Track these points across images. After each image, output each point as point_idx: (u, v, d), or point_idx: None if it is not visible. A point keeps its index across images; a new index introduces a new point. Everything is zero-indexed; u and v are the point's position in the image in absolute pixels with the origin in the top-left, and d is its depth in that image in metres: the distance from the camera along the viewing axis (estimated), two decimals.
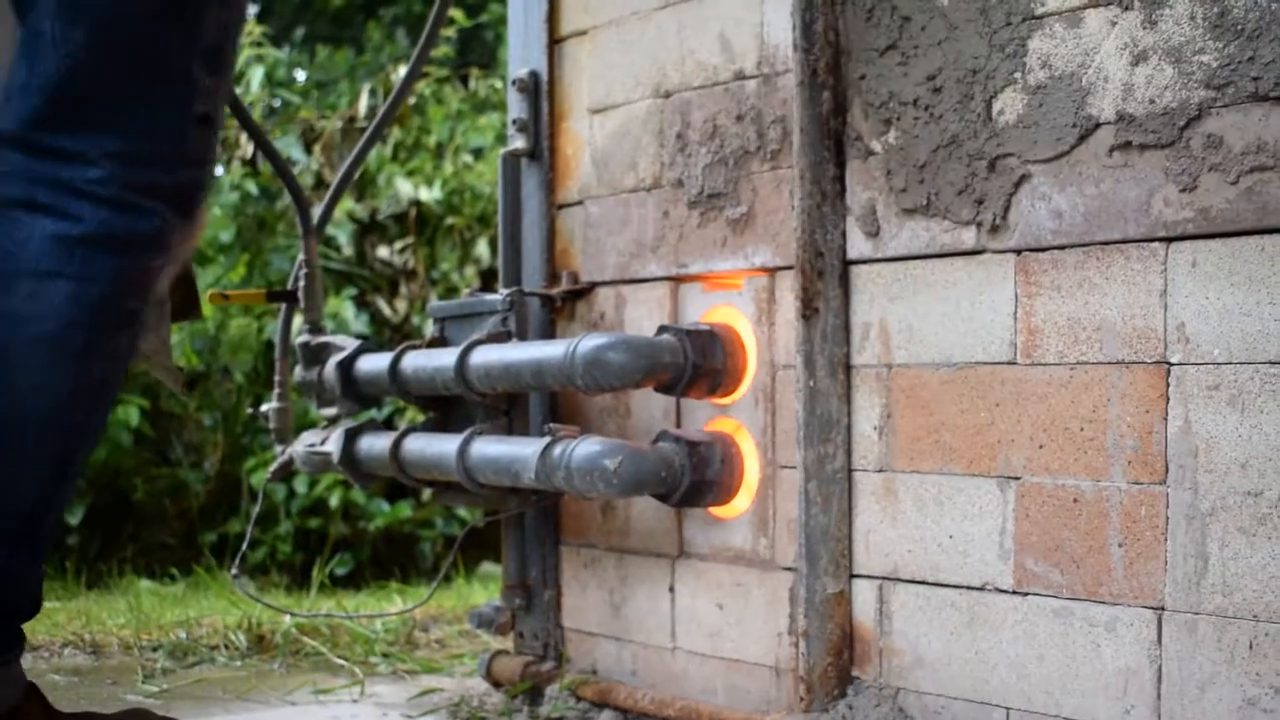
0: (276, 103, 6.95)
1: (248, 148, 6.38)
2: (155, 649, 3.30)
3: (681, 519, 2.55)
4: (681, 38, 2.55)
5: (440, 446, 2.64)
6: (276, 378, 3.24)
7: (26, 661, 2.83)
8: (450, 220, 6.23)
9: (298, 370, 3.11)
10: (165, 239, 1.82)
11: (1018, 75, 2.01)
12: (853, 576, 2.25)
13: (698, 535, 2.52)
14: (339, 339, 3.06)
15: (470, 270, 6.15)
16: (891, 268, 2.19)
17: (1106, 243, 1.91)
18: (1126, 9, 1.89)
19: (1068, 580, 1.96)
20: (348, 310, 5.93)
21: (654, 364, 2.35)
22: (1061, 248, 1.97)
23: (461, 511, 5.75)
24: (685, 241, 2.53)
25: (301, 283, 3.12)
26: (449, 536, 5.85)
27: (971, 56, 2.06)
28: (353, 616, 3.57)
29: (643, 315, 2.61)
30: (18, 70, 1.78)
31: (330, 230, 6.18)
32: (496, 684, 2.87)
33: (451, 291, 6.08)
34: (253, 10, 9.71)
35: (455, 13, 7.07)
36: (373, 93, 6.59)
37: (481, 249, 6.16)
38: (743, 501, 2.44)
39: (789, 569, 2.34)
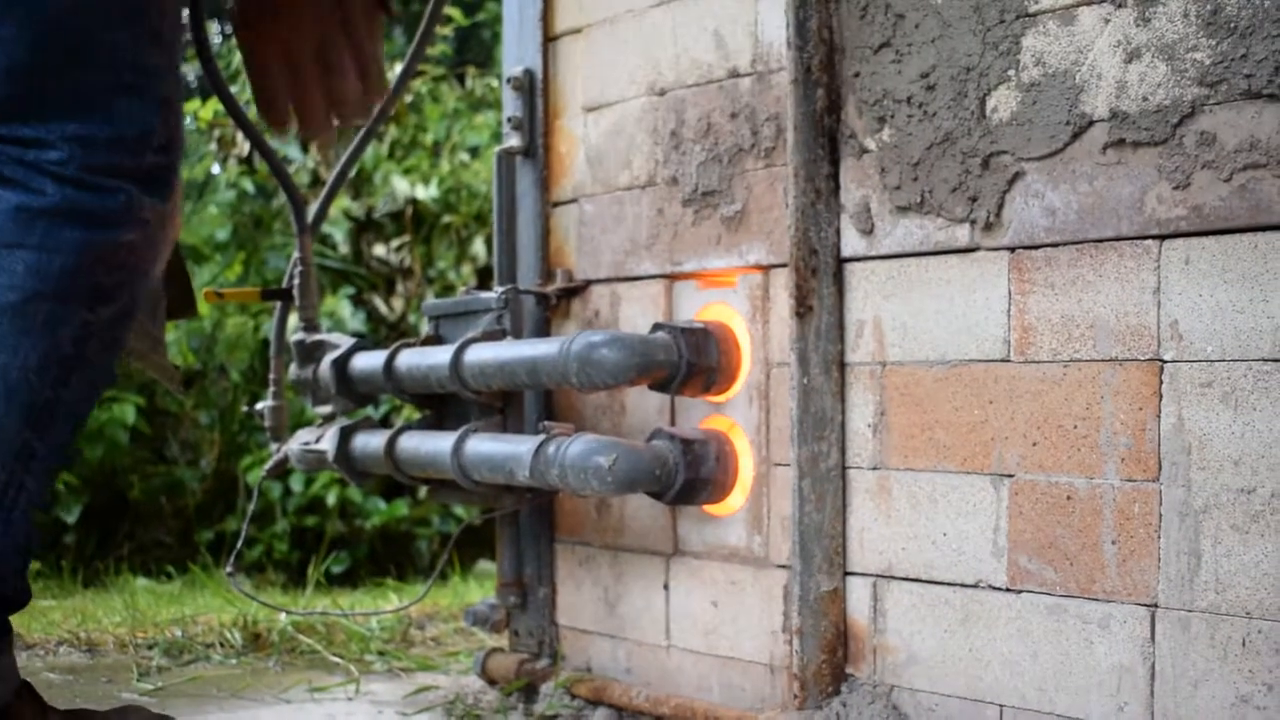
0: None
1: (244, 146, 6.38)
2: (151, 647, 3.30)
3: (676, 517, 2.55)
4: (676, 35, 2.55)
5: (435, 444, 2.64)
6: (272, 376, 3.24)
7: (21, 659, 2.83)
8: (447, 218, 6.23)
9: (293, 368, 3.10)
10: (135, 214, 1.80)
11: (1011, 73, 2.01)
12: (847, 574, 2.25)
13: (692, 533, 2.52)
14: (334, 337, 3.05)
15: (467, 268, 6.15)
16: (886, 265, 2.19)
17: (1100, 240, 1.91)
18: (1120, 6, 1.89)
19: (1061, 578, 1.96)
20: (344, 308, 5.93)
21: (648, 362, 2.35)
22: (1055, 245, 1.97)
23: (458, 509, 5.76)
24: (680, 239, 2.53)
25: (296, 281, 3.12)
26: (445, 534, 5.85)
27: (965, 54, 2.06)
28: (348, 614, 3.57)
29: (637, 313, 2.61)
30: None
31: (326, 228, 6.18)
32: (492, 681, 2.87)
33: (448, 289, 6.08)
34: None
35: (453, 11, 7.07)
36: None
37: (478, 247, 6.16)
38: (737, 499, 2.44)
39: (783, 566, 2.34)
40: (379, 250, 6.27)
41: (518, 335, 2.70)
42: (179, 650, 3.29)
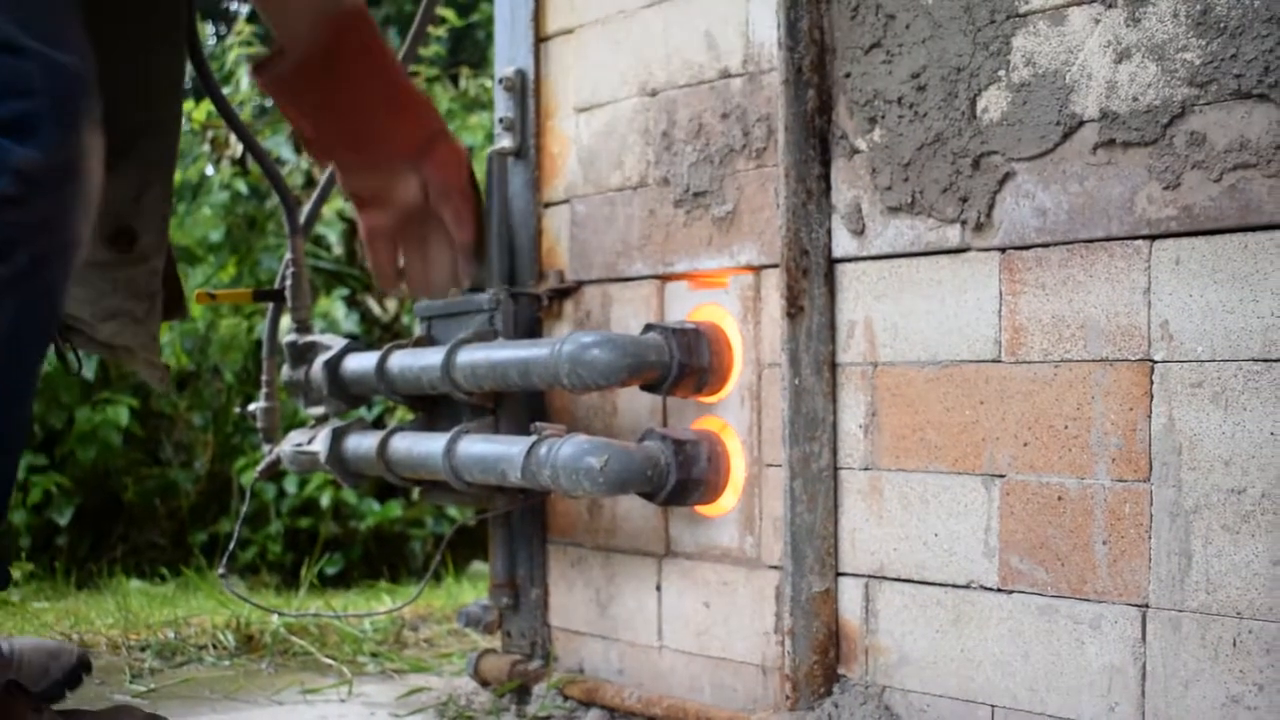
0: (270, 102, 6.93)
1: (237, 147, 6.37)
2: (143, 649, 3.30)
3: (668, 518, 2.55)
4: (667, 36, 2.55)
5: (427, 445, 2.64)
6: (264, 377, 3.24)
7: None
8: None
9: (285, 370, 3.10)
10: (8, 165, 1.72)
11: (1002, 73, 2.01)
12: (839, 575, 2.25)
13: (684, 534, 2.52)
14: (326, 338, 3.05)
15: None
16: (877, 266, 2.19)
17: (1090, 240, 1.91)
18: (1110, 7, 1.89)
19: (1052, 578, 1.96)
20: (338, 310, 5.93)
21: (639, 362, 2.35)
22: (1045, 245, 1.97)
23: (451, 510, 5.75)
24: (671, 240, 2.53)
25: (289, 282, 3.12)
26: (439, 536, 5.84)
27: (956, 54, 2.06)
28: (341, 616, 3.56)
29: (629, 314, 2.61)
30: None
31: (320, 229, 6.17)
32: (484, 683, 2.87)
33: None
34: (244, 10, 9.71)
35: (446, 12, 7.06)
36: None
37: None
38: (729, 500, 2.44)
39: (775, 567, 2.34)
40: None
41: (510, 336, 2.70)
42: (172, 652, 3.29)
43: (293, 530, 5.76)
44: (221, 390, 6.02)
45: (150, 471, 5.89)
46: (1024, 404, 1.99)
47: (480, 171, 2.89)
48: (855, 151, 2.21)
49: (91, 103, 1.77)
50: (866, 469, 2.20)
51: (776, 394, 2.33)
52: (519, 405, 2.72)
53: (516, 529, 2.86)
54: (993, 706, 2.04)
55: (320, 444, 2.90)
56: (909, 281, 2.14)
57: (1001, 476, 2.02)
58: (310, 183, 6.13)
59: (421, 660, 3.26)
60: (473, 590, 4.60)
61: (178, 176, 6.54)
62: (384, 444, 2.74)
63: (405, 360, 2.73)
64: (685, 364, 2.38)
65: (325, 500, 5.66)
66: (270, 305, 3.23)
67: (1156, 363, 1.84)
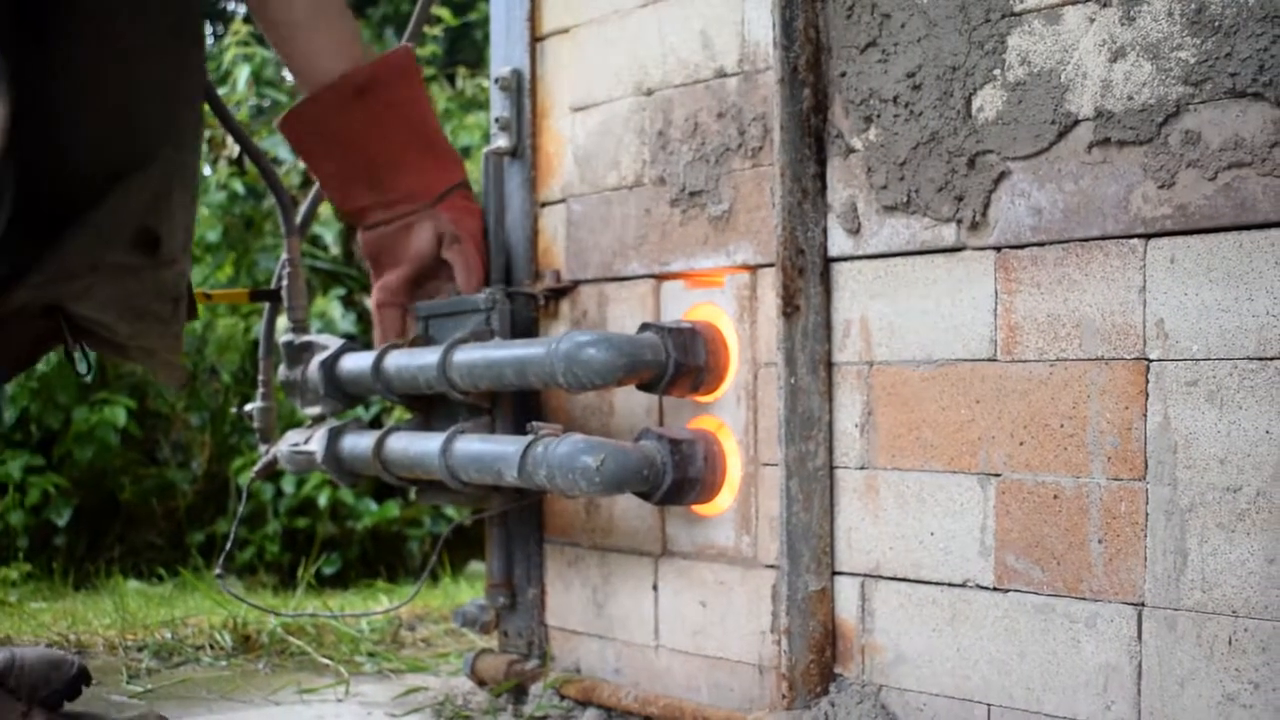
0: (266, 102, 6.94)
1: (233, 148, 6.37)
2: (140, 649, 3.30)
3: (664, 517, 2.55)
4: (662, 35, 2.55)
5: (423, 445, 2.64)
6: (260, 377, 3.24)
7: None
8: None
9: (282, 369, 3.10)
10: None
11: (997, 72, 2.01)
12: (835, 574, 2.25)
13: (681, 533, 2.52)
14: (322, 338, 3.05)
15: None
16: (872, 265, 2.19)
17: (1086, 239, 1.91)
18: (1105, 6, 1.89)
19: (1048, 577, 1.96)
20: (335, 309, 5.93)
21: (635, 362, 2.35)
22: (1041, 244, 1.97)
23: (449, 510, 5.75)
24: (667, 239, 2.53)
25: (285, 282, 3.12)
26: (437, 535, 5.84)
27: (951, 53, 2.06)
28: (338, 616, 3.56)
29: (625, 313, 2.61)
30: None
31: (317, 229, 6.18)
32: (481, 683, 2.87)
33: None
34: (241, 10, 9.70)
35: (443, 12, 7.07)
36: None
37: None
38: (725, 499, 2.44)
39: (771, 566, 2.34)
40: None
41: (506, 336, 2.70)
42: (168, 652, 3.29)
43: (290, 530, 5.76)
44: (219, 390, 6.02)
45: (147, 472, 5.89)
46: (1020, 403, 1.99)
47: (479, 170, 2.90)
48: (851, 150, 2.21)
49: None
50: (862, 468, 2.20)
51: (773, 393, 2.33)
52: (515, 405, 2.72)
53: (513, 529, 2.86)
54: (989, 705, 2.04)
55: (317, 444, 2.89)
56: (904, 280, 2.15)
57: (997, 475, 2.02)
58: (308, 183, 6.13)
59: (419, 660, 3.26)
60: (470, 590, 4.60)
61: None
62: (380, 444, 2.74)
63: (402, 360, 2.73)
64: (681, 363, 2.38)
65: (323, 500, 5.66)
66: (267, 305, 3.23)
67: (1152, 361, 1.84)
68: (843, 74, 2.21)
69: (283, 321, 3.16)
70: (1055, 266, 1.95)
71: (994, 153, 2.01)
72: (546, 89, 2.81)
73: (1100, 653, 1.90)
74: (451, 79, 7.33)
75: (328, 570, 5.61)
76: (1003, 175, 2.00)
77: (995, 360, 2.02)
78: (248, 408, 3.23)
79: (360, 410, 5.38)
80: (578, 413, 2.69)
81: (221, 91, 6.62)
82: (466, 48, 9.55)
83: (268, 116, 6.76)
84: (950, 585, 2.09)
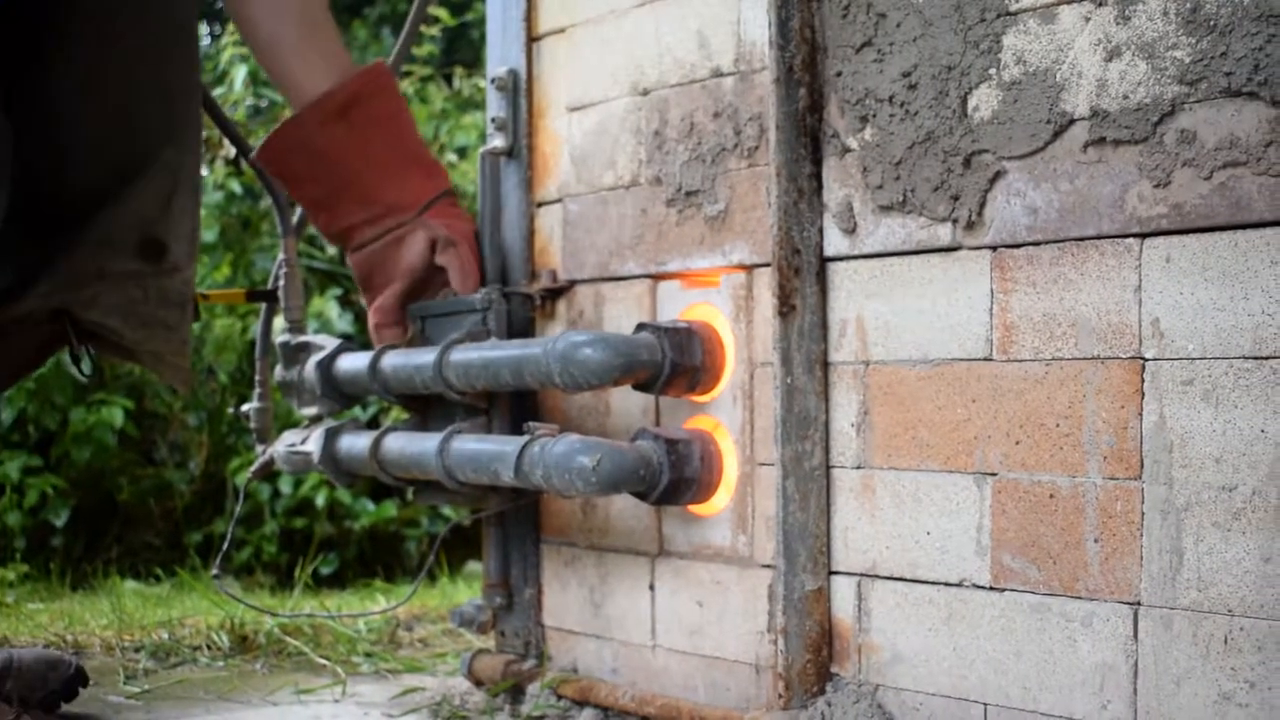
0: (263, 103, 6.93)
1: (230, 148, 6.36)
2: (137, 650, 3.30)
3: (661, 517, 2.55)
4: (659, 35, 2.55)
5: (420, 445, 2.64)
6: (257, 377, 3.24)
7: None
8: None
9: (278, 370, 3.10)
10: None
11: (992, 72, 2.01)
12: (831, 573, 2.25)
13: (677, 533, 2.52)
14: (319, 338, 3.05)
15: None
16: (868, 265, 2.19)
17: (1081, 239, 1.92)
18: (1100, 5, 1.89)
19: (1044, 576, 1.97)
20: (332, 309, 5.93)
21: (631, 362, 2.35)
22: (1037, 244, 1.97)
23: (447, 510, 5.75)
24: (663, 239, 2.53)
25: (282, 282, 3.12)
26: (434, 535, 5.84)
27: (946, 53, 2.07)
28: (335, 616, 3.56)
29: (621, 313, 2.61)
30: None
31: (313, 230, 6.16)
32: (478, 683, 2.87)
33: None
34: None
35: (440, 12, 7.06)
36: None
37: None
38: (722, 499, 2.44)
39: (768, 566, 2.34)
40: None
41: (502, 336, 2.70)
42: (166, 653, 3.29)
43: (287, 530, 5.76)
44: (216, 391, 6.01)
45: (145, 472, 5.89)
46: (1015, 402, 1.99)
47: (476, 170, 2.91)
48: (847, 150, 2.21)
49: None
50: (859, 468, 2.20)
51: (769, 393, 2.33)
52: (513, 405, 2.72)
53: (510, 529, 2.86)
54: (985, 705, 2.04)
55: (314, 444, 2.89)
56: (900, 280, 2.15)
57: (993, 475, 2.03)
58: None
59: (416, 660, 3.26)
60: (468, 590, 4.60)
61: None
62: (377, 444, 2.74)
63: (398, 360, 2.73)
64: (677, 363, 2.38)
65: (320, 500, 5.66)
66: (264, 305, 3.23)
67: (1148, 360, 1.84)
68: (838, 74, 2.21)
69: (279, 322, 3.16)
70: (1051, 266, 1.95)
71: (989, 152, 2.01)
72: (543, 89, 2.81)
73: (1096, 652, 1.90)
74: (449, 79, 7.33)
75: (325, 570, 5.61)
76: (998, 175, 2.01)
77: (991, 360, 2.03)
78: (245, 408, 3.23)
79: (358, 410, 5.38)
80: (574, 413, 2.69)
81: (218, 92, 6.62)
82: (464, 48, 9.55)
83: (265, 117, 6.76)
84: (946, 585, 2.09)
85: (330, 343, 2.99)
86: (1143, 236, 1.85)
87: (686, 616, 2.50)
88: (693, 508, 2.47)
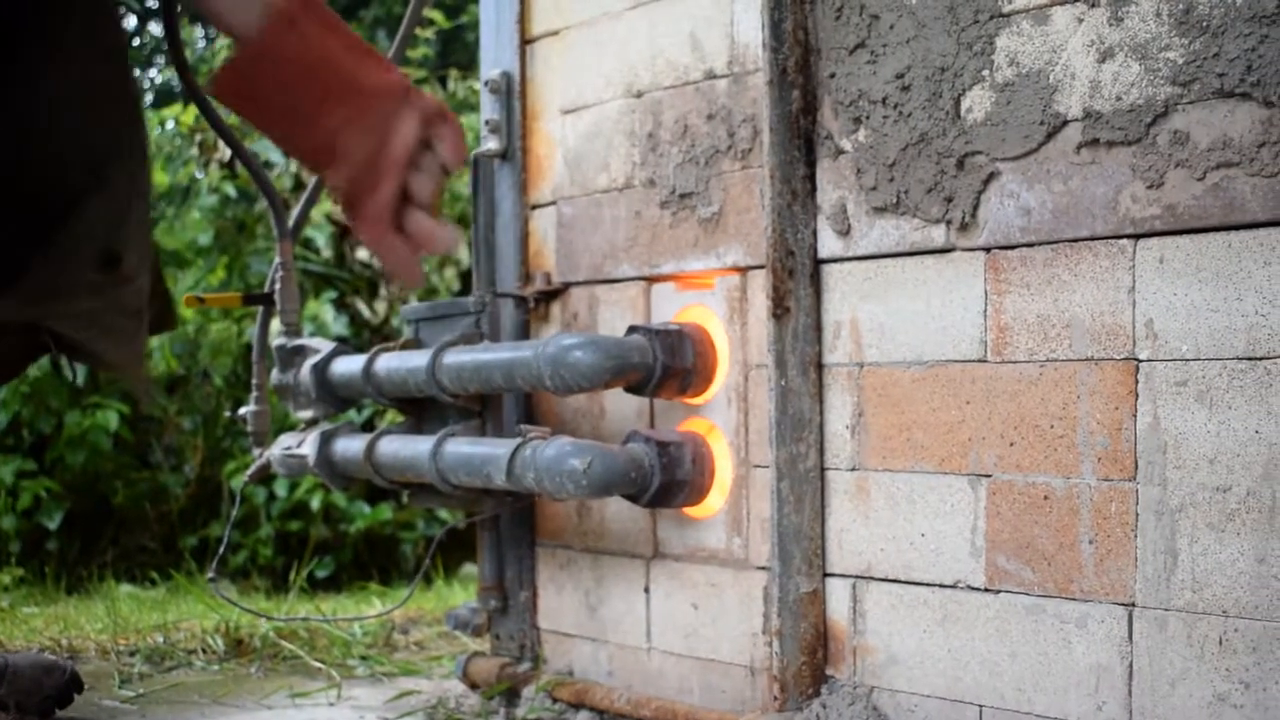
0: None
1: (225, 151, 6.36)
2: (132, 654, 3.29)
3: (656, 520, 2.55)
4: (652, 37, 2.54)
5: (414, 448, 2.64)
6: (254, 380, 3.24)
7: None
8: None
9: (274, 373, 3.10)
10: None
11: (986, 73, 2.01)
12: (826, 575, 2.24)
13: (672, 536, 2.52)
14: (315, 342, 3.05)
15: (450, 271, 6.15)
16: (862, 266, 2.19)
17: (1075, 240, 1.91)
18: (1093, 6, 1.89)
19: (1039, 577, 1.96)
20: (327, 313, 5.92)
21: (623, 364, 2.35)
22: (1030, 245, 1.97)
23: (442, 513, 5.74)
24: (657, 241, 2.53)
25: (278, 285, 3.12)
26: (430, 538, 5.83)
27: (940, 54, 2.06)
28: (331, 620, 3.56)
29: (616, 316, 2.61)
30: None
31: (309, 233, 6.17)
32: (474, 686, 2.86)
33: (431, 293, 6.07)
34: None
35: (434, 14, 7.06)
36: None
37: (461, 251, 6.15)
38: (716, 501, 2.43)
39: (763, 568, 2.34)
40: (362, 254, 6.26)
41: (496, 338, 2.70)
42: (161, 657, 3.28)
43: (283, 534, 5.76)
44: (211, 394, 6.01)
45: (140, 476, 5.88)
46: (1010, 404, 1.99)
47: (468, 174, 2.90)
48: (840, 152, 2.20)
49: None
50: (853, 469, 2.20)
51: (763, 395, 2.33)
52: (508, 408, 2.71)
53: (505, 532, 2.86)
54: (980, 706, 2.04)
55: (309, 447, 2.89)
56: (894, 282, 2.14)
57: (988, 476, 2.02)
58: (299, 186, 6.12)
59: (411, 663, 3.25)
60: (463, 593, 4.59)
61: (167, 180, 6.54)
62: (371, 447, 2.74)
63: (392, 363, 2.73)
64: (669, 365, 2.38)
65: (316, 503, 5.65)
66: (260, 309, 3.23)
67: (1141, 362, 1.84)
68: (832, 75, 2.21)
69: (275, 325, 3.16)
70: (1045, 267, 1.95)
71: (983, 153, 2.01)
72: (536, 91, 2.81)
73: (1091, 653, 1.90)
74: (444, 82, 7.32)
75: (321, 573, 5.60)
76: (992, 176, 2.00)
77: (985, 361, 2.02)
78: (241, 411, 3.23)
79: (353, 414, 5.38)
80: (569, 415, 2.69)
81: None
82: (458, 50, 9.55)
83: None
84: (941, 586, 2.09)
85: (325, 346, 2.99)
86: (1136, 237, 1.85)
87: (681, 619, 2.50)
88: (687, 510, 2.47)
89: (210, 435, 5.92)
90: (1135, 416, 1.85)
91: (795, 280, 2.21)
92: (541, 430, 2.41)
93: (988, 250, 2.02)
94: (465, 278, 6.05)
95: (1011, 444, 1.99)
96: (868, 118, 2.16)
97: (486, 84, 2.85)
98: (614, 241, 2.61)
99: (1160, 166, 1.81)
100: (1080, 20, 1.90)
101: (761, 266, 2.31)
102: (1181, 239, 1.80)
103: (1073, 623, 1.92)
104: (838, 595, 2.23)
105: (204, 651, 3.33)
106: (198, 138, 6.48)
